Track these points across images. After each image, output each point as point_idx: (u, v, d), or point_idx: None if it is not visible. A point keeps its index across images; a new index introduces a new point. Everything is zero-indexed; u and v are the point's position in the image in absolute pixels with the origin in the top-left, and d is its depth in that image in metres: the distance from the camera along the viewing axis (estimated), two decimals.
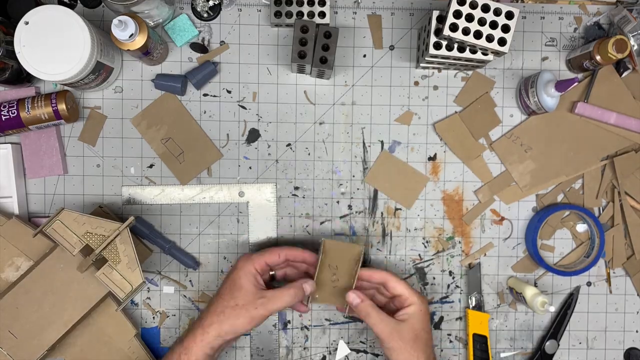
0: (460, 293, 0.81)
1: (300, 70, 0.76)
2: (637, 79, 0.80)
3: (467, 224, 0.80)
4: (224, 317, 0.67)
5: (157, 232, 0.78)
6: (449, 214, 0.80)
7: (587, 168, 0.80)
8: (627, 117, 0.79)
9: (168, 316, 0.79)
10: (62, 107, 0.72)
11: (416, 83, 0.80)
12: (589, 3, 0.80)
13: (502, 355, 0.82)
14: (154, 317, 0.79)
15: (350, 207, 0.80)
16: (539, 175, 0.80)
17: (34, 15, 0.65)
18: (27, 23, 0.65)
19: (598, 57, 0.73)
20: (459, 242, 0.81)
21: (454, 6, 0.67)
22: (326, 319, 0.80)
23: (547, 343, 0.80)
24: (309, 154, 0.79)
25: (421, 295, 0.71)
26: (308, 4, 0.75)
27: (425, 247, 0.81)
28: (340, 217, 0.80)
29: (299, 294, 0.68)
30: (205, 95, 0.78)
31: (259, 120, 0.79)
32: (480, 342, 0.79)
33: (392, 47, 0.79)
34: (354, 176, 0.80)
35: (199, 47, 0.78)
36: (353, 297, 0.69)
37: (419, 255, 0.81)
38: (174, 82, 0.76)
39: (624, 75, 0.79)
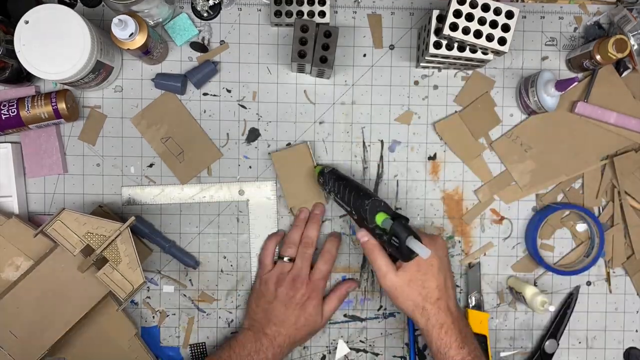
0: (460, 292, 0.81)
1: (300, 69, 0.76)
2: (637, 79, 0.80)
3: (467, 223, 0.80)
4: (294, 332, 0.74)
5: (157, 232, 0.78)
6: (449, 214, 0.80)
7: (587, 168, 0.80)
8: (627, 116, 0.79)
9: (168, 315, 0.79)
10: (62, 106, 0.72)
11: (416, 82, 0.80)
12: (589, 3, 0.80)
13: (502, 354, 0.82)
14: (153, 316, 0.79)
15: None
16: (539, 175, 0.80)
17: (34, 14, 0.65)
18: (27, 22, 0.65)
19: (598, 57, 0.73)
20: (459, 242, 0.81)
21: (454, 5, 0.67)
22: None
23: (547, 342, 0.80)
24: None
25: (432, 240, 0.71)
26: (308, 3, 0.74)
27: None
28: (340, 217, 0.80)
29: (344, 295, 0.79)
30: (205, 94, 0.78)
31: (258, 119, 0.79)
32: (480, 341, 0.78)
33: (392, 47, 0.79)
34: (353, 175, 0.80)
35: (199, 46, 0.77)
36: (362, 235, 0.70)
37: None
38: (174, 81, 0.76)
39: (624, 75, 0.79)
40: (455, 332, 0.67)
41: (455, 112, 0.79)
